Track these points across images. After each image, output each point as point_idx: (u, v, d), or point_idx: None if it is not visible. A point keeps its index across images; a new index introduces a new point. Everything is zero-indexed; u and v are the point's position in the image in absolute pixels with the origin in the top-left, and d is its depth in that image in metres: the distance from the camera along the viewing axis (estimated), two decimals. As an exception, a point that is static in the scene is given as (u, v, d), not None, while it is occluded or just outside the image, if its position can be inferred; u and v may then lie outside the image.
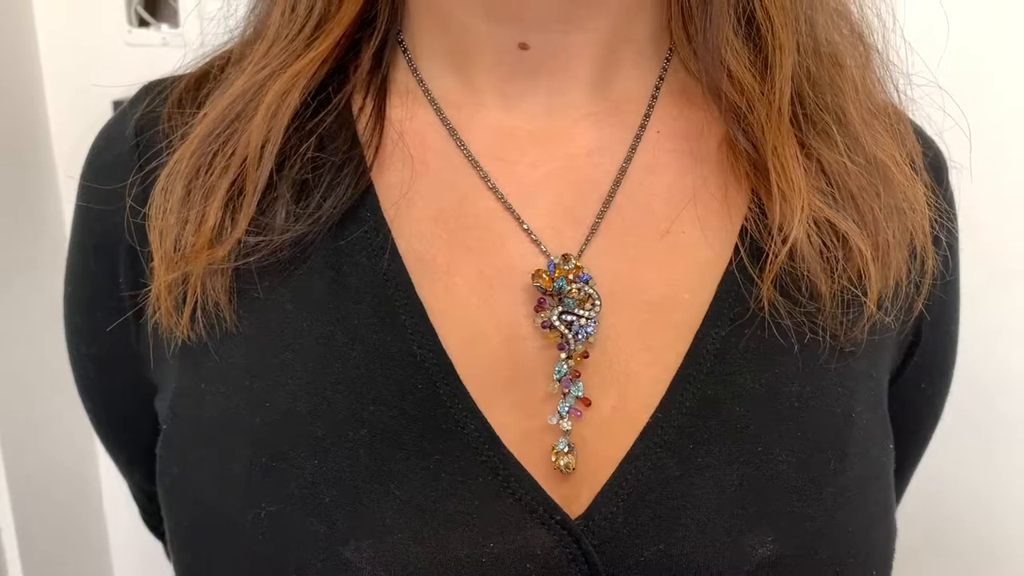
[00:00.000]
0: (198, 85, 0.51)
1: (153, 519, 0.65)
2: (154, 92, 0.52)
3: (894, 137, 0.50)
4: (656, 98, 0.51)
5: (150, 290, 0.48)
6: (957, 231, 0.55)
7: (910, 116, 0.54)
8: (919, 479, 0.66)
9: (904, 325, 0.51)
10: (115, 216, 0.50)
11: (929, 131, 0.56)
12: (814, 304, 0.47)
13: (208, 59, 0.53)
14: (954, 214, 0.55)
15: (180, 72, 0.53)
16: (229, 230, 0.46)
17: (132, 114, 0.52)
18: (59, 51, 0.74)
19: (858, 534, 0.46)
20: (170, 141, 0.49)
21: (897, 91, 0.52)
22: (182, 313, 0.46)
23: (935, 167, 0.54)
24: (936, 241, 0.51)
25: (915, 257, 0.50)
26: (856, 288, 0.47)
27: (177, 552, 0.48)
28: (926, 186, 0.50)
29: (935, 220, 0.51)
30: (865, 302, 0.47)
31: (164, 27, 0.66)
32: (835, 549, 0.45)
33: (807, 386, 0.46)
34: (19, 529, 0.91)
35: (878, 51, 0.51)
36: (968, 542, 0.89)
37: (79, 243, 0.54)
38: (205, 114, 0.48)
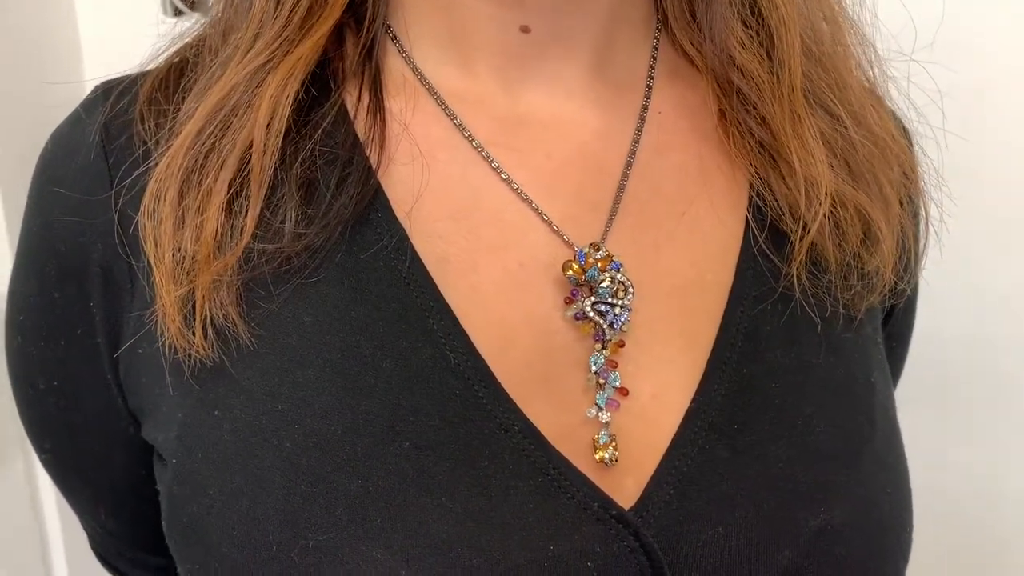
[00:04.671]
0: (173, 81, 0.47)
1: (105, 550, 0.59)
2: (115, 93, 0.47)
3: (887, 114, 0.51)
4: (653, 78, 0.50)
5: (154, 310, 0.43)
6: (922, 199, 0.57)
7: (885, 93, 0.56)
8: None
9: (902, 294, 0.52)
10: (84, 233, 0.46)
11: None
12: (831, 277, 0.48)
13: (169, 53, 0.49)
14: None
15: (135, 71, 0.49)
16: (229, 235, 0.43)
17: (92, 120, 0.47)
18: (97, 42, 0.71)
19: (895, 493, 0.47)
20: (147, 145, 0.45)
21: (872, 69, 0.53)
22: (193, 331, 0.43)
23: (910, 140, 0.56)
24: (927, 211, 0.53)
25: (916, 227, 0.52)
26: (875, 257, 0.48)
27: None
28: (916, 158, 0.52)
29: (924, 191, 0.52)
30: (881, 271, 0.48)
31: (197, 17, 0.62)
32: (879, 511, 0.46)
33: (831, 357, 0.47)
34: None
35: (856, 31, 0.52)
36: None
37: (35, 267, 0.49)
38: (194, 109, 0.44)
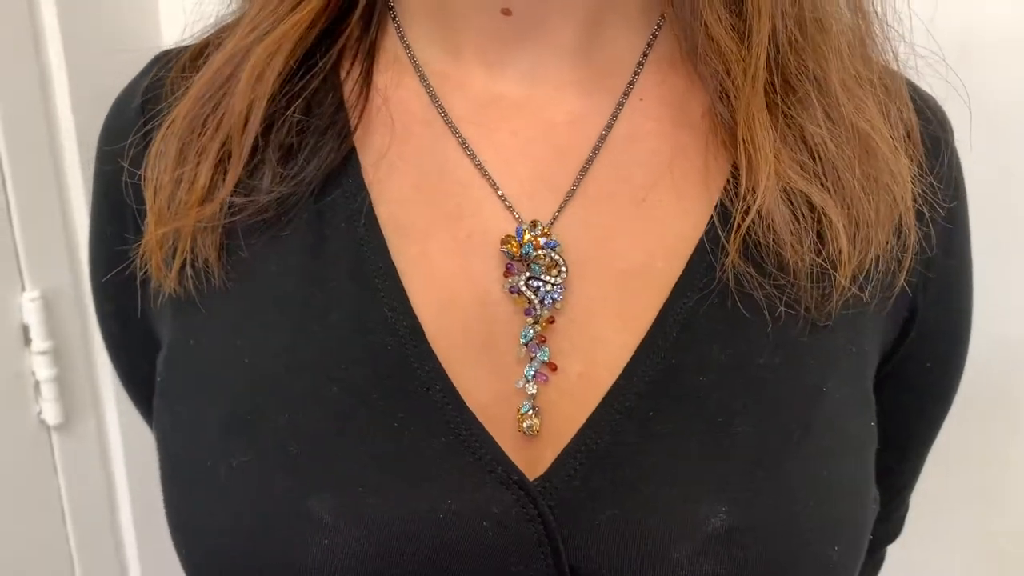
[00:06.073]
0: (200, 52, 0.53)
1: None
2: (162, 61, 0.54)
3: (881, 107, 0.48)
4: (643, 65, 0.50)
5: (139, 244, 0.50)
6: (959, 205, 0.53)
7: (916, 84, 0.53)
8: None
9: (885, 301, 0.50)
10: (121, 178, 0.53)
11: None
12: (785, 277, 0.46)
13: (216, 28, 0.55)
14: (951, 188, 0.53)
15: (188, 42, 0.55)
16: (218, 189, 0.48)
17: (141, 83, 0.54)
18: (176, 13, 0.81)
19: (820, 509, 0.45)
20: (171, 104, 0.51)
21: (896, 59, 0.51)
22: (171, 268, 0.49)
23: (932, 138, 0.52)
24: (919, 216, 0.50)
25: (899, 233, 0.48)
26: (826, 263, 0.46)
27: (166, 503, 0.50)
28: (912, 159, 0.49)
29: (919, 194, 0.49)
30: (835, 276, 0.46)
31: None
32: (792, 523, 0.44)
33: (777, 358, 0.46)
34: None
35: (877, 16, 0.50)
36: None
37: (95, 207, 0.57)
38: (199, 77, 0.50)
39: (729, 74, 0.47)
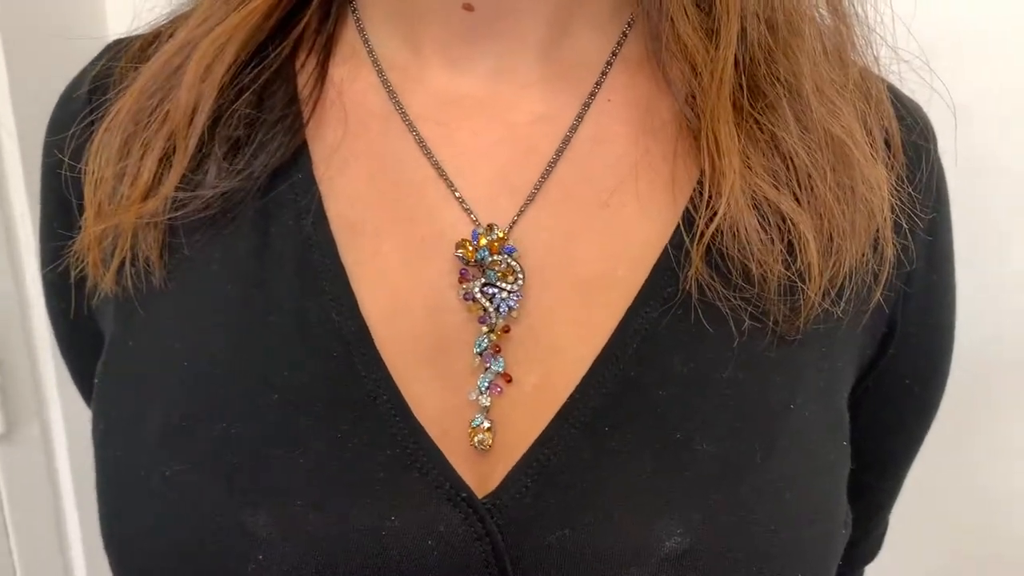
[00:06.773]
0: (151, 42, 0.51)
1: None
2: (114, 50, 0.52)
3: (858, 114, 0.46)
4: (611, 65, 0.48)
5: (75, 240, 0.48)
6: (940, 217, 0.51)
7: (898, 89, 0.51)
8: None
9: (860, 316, 0.48)
10: (62, 170, 0.50)
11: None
12: (752, 289, 0.44)
13: (170, 18, 0.52)
14: (932, 199, 0.51)
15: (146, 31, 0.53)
16: (163, 186, 0.46)
17: (90, 71, 0.52)
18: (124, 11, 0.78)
19: (783, 531, 0.43)
20: (118, 95, 0.49)
21: (877, 63, 0.49)
22: (109, 267, 0.46)
23: (914, 147, 0.50)
24: (897, 228, 0.48)
25: (875, 245, 0.46)
26: (796, 276, 0.44)
27: (100, 513, 0.47)
28: (891, 168, 0.47)
29: (897, 206, 0.47)
30: (804, 289, 0.44)
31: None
32: (753, 546, 0.42)
33: (741, 373, 0.44)
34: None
35: (858, 19, 0.48)
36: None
37: (43, 200, 0.55)
38: (146, 68, 0.48)
39: (696, 75, 0.45)
